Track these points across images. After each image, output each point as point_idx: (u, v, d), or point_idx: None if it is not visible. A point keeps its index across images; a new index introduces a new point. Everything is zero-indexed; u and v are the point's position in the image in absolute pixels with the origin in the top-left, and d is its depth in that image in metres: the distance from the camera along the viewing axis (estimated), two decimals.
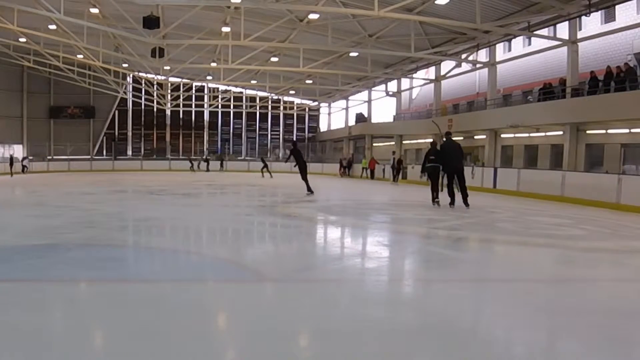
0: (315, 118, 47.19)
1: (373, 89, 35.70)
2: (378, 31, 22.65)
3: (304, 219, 9.38)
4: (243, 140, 46.19)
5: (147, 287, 4.02)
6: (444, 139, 11.78)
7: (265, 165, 28.88)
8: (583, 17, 17.71)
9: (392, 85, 33.67)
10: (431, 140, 13.74)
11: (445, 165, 11.37)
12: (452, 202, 10.97)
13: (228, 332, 3.17)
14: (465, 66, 26.46)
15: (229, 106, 44.02)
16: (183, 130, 45.01)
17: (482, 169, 19.07)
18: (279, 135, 46.83)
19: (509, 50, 24.78)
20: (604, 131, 17.26)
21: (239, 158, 42.87)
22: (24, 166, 30.09)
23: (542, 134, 20.26)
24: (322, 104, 45.21)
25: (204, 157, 38.41)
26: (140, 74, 37.58)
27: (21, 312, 3.25)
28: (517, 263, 5.51)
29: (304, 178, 14.34)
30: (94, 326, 3.12)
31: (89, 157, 39.46)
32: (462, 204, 10.76)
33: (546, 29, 19.82)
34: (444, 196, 11.34)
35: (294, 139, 46.53)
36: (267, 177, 26.97)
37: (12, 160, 28.67)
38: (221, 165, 37.33)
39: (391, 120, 33.92)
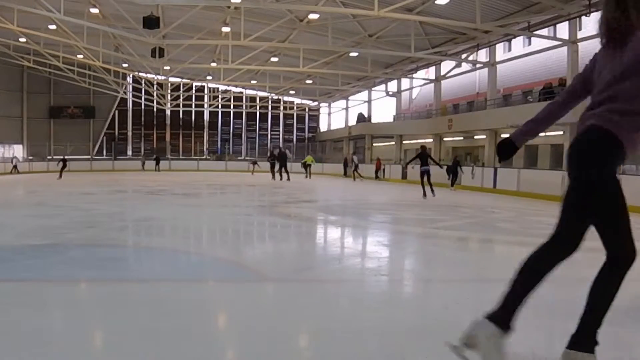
0: (315, 118, 47.17)
1: (373, 89, 35.68)
2: (378, 31, 22.64)
3: (304, 219, 9.38)
4: (243, 140, 46.17)
5: (147, 287, 4.02)
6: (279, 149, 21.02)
7: (158, 163, 34.44)
8: (583, 17, 17.71)
9: (392, 85, 33.65)
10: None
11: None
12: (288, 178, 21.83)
13: (228, 332, 3.17)
14: (465, 66, 26.45)
15: (229, 106, 44.00)
16: (183, 130, 44.98)
17: (482, 169, 19.08)
18: (279, 135, 46.81)
19: (509, 50, 24.77)
20: None
21: (239, 158, 42.87)
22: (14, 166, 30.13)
23: (542, 134, 20.16)
24: (322, 104, 45.20)
25: (154, 156, 37.07)
26: (140, 74, 37.56)
27: (21, 312, 3.25)
28: (517, 263, 5.51)
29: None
30: (94, 326, 3.12)
31: (89, 157, 39.45)
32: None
33: (546, 29, 19.82)
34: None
35: (294, 139, 46.57)
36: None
37: None
38: (157, 164, 35.20)
39: (391, 120, 33.93)
